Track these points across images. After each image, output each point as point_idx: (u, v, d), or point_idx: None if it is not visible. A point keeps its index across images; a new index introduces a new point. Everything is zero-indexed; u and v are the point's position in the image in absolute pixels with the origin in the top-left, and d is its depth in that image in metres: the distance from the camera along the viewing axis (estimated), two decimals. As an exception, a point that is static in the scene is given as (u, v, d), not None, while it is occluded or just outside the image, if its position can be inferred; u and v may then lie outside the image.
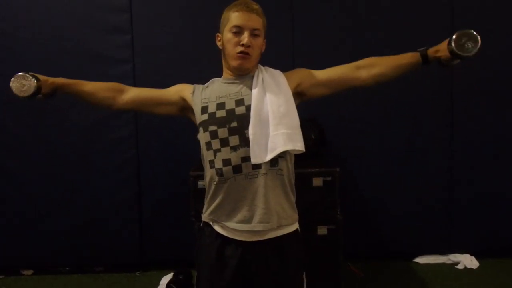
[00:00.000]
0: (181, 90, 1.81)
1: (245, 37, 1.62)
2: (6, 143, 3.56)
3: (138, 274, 3.62)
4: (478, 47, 1.54)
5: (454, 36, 1.54)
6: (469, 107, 3.64)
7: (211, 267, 1.70)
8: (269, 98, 1.63)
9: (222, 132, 1.62)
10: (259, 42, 1.68)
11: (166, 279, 3.37)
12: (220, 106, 1.66)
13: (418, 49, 1.67)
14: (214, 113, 1.65)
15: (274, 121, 1.60)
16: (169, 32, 3.56)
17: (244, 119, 1.61)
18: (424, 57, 1.65)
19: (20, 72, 1.68)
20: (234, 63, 1.66)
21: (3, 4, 3.47)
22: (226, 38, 1.67)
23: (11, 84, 1.66)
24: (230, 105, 1.65)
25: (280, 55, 3.34)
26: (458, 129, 3.65)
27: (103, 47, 3.52)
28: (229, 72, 1.74)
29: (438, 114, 3.65)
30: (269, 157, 1.58)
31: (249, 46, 1.63)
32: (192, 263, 3.09)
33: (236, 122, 1.62)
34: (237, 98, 1.66)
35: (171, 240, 3.64)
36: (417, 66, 1.68)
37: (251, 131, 1.58)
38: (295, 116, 1.65)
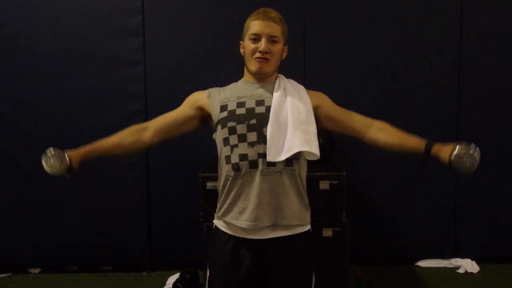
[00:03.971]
0: (196, 101, 1.83)
1: (262, 44, 1.69)
2: (20, 143, 3.60)
3: (145, 274, 3.66)
4: (472, 169, 1.58)
5: (456, 151, 1.58)
6: (475, 115, 3.70)
7: (224, 266, 1.73)
8: (289, 103, 1.70)
9: (241, 128, 1.67)
10: (278, 48, 1.74)
11: (172, 279, 3.40)
12: (240, 104, 1.71)
13: (426, 141, 1.70)
14: (234, 110, 1.70)
15: (293, 124, 1.66)
16: (180, 35, 3.60)
17: (263, 118, 1.67)
18: (428, 150, 1.69)
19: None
20: (253, 67, 1.73)
21: (20, 7, 3.52)
22: (246, 46, 1.75)
23: (44, 159, 1.74)
24: (250, 104, 1.71)
25: (290, 60, 3.39)
26: (464, 136, 3.68)
27: (115, 49, 3.57)
28: (250, 76, 1.79)
29: (444, 121, 3.70)
30: (284, 156, 1.63)
31: (266, 52, 1.70)
32: (199, 263, 3.15)
33: (255, 120, 1.67)
34: (258, 99, 1.72)
35: (179, 241, 3.68)
36: (418, 154, 1.71)
37: (269, 130, 1.63)
38: (313, 125, 1.72)
